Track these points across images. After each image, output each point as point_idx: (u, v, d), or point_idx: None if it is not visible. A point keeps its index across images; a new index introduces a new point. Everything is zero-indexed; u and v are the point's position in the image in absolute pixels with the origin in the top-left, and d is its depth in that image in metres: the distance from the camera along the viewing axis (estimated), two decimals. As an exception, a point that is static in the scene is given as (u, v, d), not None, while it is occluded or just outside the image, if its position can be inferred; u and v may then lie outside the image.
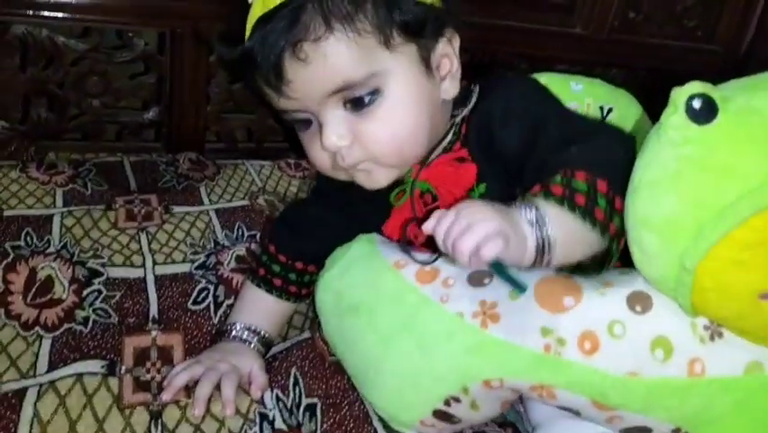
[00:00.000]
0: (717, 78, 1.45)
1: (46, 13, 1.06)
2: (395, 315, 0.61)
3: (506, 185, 0.62)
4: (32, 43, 1.08)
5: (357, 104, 0.60)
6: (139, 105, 1.21)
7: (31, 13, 1.05)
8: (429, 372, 0.59)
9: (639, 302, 0.53)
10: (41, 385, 0.62)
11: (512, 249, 0.50)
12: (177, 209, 0.97)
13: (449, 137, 0.67)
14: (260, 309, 0.72)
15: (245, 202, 1.03)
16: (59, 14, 1.07)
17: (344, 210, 0.72)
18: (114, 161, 1.10)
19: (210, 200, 1.02)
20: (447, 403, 0.59)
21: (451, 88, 0.66)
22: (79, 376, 0.63)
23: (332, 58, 0.57)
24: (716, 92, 0.48)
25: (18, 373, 0.64)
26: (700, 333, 0.52)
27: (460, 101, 0.67)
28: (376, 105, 0.60)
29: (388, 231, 0.68)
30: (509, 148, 0.61)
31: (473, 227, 0.49)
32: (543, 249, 0.52)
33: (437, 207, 0.60)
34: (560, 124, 0.60)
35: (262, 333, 0.70)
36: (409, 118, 0.62)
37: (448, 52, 0.65)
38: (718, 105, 0.48)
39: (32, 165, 1.01)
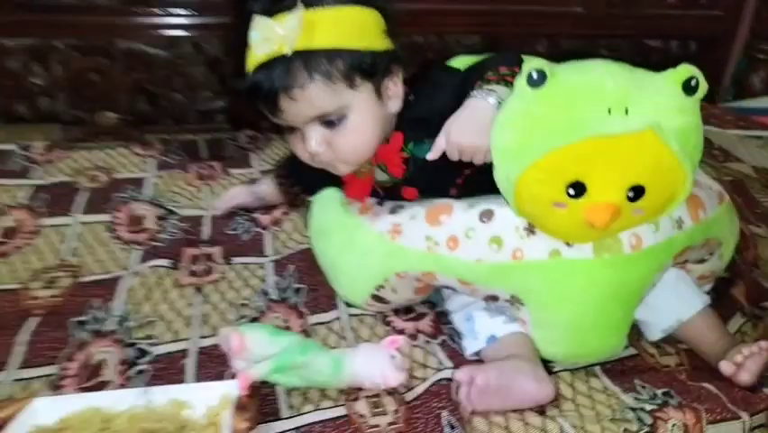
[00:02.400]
0: (720, 41, 1.61)
1: (141, 33, 1.45)
2: (343, 236, 0.92)
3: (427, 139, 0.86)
4: (132, 55, 1.48)
5: (329, 124, 0.84)
6: (211, 95, 1.58)
7: (129, 33, 1.45)
8: (365, 271, 0.89)
9: (486, 216, 0.80)
10: (131, 273, 0.99)
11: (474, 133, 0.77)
12: (233, 171, 1.34)
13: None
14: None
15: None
16: (150, 32, 1.46)
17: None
18: (193, 139, 1.48)
19: (259, 164, 1.38)
20: (378, 290, 0.89)
21: (394, 105, 0.88)
22: (155, 267, 1.00)
23: (313, 98, 0.80)
24: (550, 68, 0.71)
25: (119, 268, 1.02)
26: (521, 232, 0.78)
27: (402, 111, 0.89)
28: (342, 125, 0.84)
29: (347, 193, 0.96)
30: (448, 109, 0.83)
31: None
32: None
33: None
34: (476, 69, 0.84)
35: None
36: (364, 135, 0.86)
37: (394, 80, 0.87)
38: (548, 77, 0.71)
39: (135, 144, 1.40)
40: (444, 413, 0.77)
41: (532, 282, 0.80)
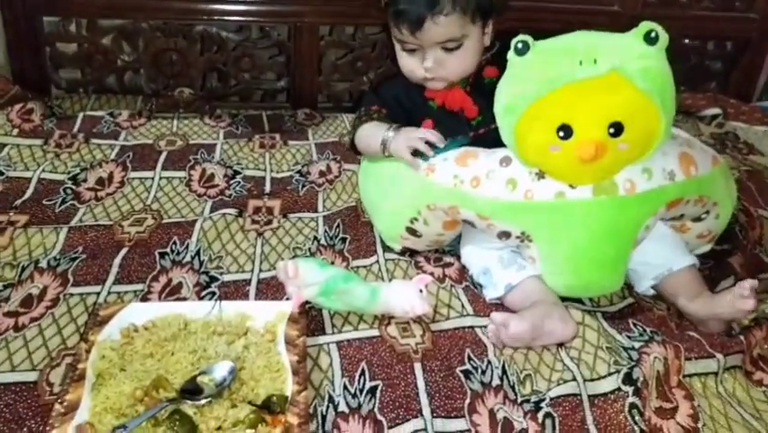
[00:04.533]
0: (755, 42, 1.72)
1: (215, 17, 1.64)
2: (388, 175, 1.08)
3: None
4: (207, 37, 1.67)
5: (448, 49, 1.05)
6: (274, 77, 1.76)
7: (205, 17, 1.63)
8: (402, 204, 1.04)
9: (505, 161, 0.94)
10: (204, 219, 1.17)
11: None
12: (291, 143, 1.51)
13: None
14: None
15: (335, 139, 1.53)
16: (224, 17, 1.64)
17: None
18: (257, 114, 1.65)
19: (314, 138, 1.54)
20: (411, 222, 1.03)
21: (487, 40, 1.10)
22: (223, 215, 1.17)
23: (450, 24, 1.02)
24: (533, 41, 0.88)
25: (194, 214, 1.20)
26: (532, 176, 0.92)
27: (488, 48, 1.11)
28: (457, 51, 1.05)
29: (449, 105, 1.11)
30: None
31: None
32: None
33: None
34: None
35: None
36: (470, 60, 1.08)
37: (491, 24, 1.09)
38: (530, 46, 0.89)
39: (206, 116, 1.59)
40: (468, 349, 0.91)
41: (539, 219, 0.93)
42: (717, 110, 1.76)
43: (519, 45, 0.89)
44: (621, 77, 0.83)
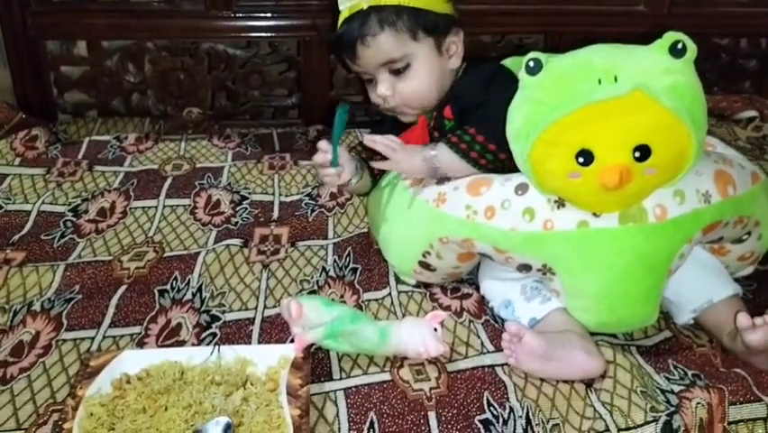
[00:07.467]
0: None
1: (222, 34, 1.58)
2: (395, 207, 1.00)
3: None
4: (214, 55, 1.61)
5: (396, 72, 1.00)
6: (285, 93, 1.70)
7: (211, 34, 1.58)
8: (412, 237, 0.97)
9: (521, 189, 0.86)
10: (207, 251, 1.11)
11: (405, 167, 0.97)
12: (302, 162, 1.44)
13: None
14: None
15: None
16: (230, 34, 1.59)
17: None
18: (267, 133, 1.59)
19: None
20: (424, 256, 0.96)
21: (454, 63, 1.04)
22: (228, 246, 1.11)
23: (382, 45, 0.98)
24: (546, 57, 0.81)
25: (197, 246, 1.14)
26: (551, 204, 0.84)
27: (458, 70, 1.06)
28: (407, 73, 1.01)
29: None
30: (468, 105, 0.99)
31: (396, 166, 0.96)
32: (434, 170, 0.94)
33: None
34: (486, 104, 0.95)
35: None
36: (425, 82, 1.01)
37: (455, 40, 1.03)
38: (543, 64, 0.81)
39: (215, 137, 1.53)
40: (487, 393, 0.83)
41: (561, 251, 0.85)
42: (753, 112, 1.65)
43: (531, 63, 0.81)
44: (646, 95, 0.74)
